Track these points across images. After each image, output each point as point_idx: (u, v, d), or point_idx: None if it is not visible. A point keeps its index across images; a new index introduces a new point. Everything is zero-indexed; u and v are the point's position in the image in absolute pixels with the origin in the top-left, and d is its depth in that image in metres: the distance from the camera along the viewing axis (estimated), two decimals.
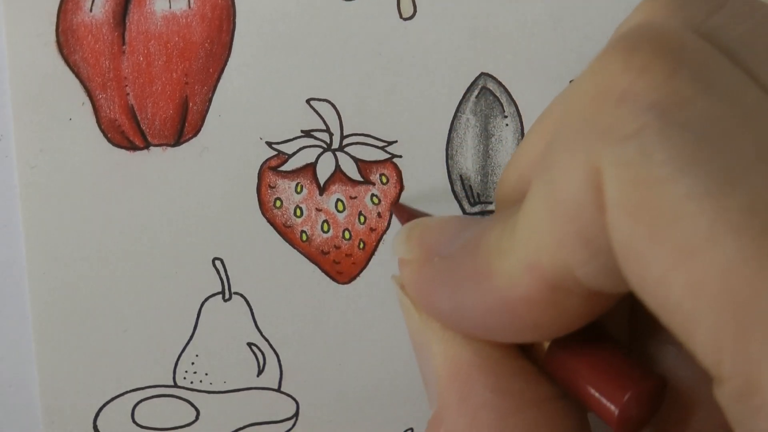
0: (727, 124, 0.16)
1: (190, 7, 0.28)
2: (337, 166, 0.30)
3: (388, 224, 0.30)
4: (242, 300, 0.31)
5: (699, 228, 0.15)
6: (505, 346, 0.22)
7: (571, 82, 0.30)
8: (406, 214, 0.28)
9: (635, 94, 0.17)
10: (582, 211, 0.17)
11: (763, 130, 0.16)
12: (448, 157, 0.30)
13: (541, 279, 0.18)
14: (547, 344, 0.21)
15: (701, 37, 0.18)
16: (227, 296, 0.30)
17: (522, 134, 0.30)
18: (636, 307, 0.23)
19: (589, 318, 0.20)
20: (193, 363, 0.31)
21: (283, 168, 0.30)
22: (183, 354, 0.31)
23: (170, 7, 0.28)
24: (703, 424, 0.22)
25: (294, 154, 0.30)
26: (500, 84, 0.30)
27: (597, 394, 0.20)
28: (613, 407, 0.20)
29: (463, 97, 0.30)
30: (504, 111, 0.30)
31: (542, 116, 0.22)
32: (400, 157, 0.30)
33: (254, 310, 0.31)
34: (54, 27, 0.27)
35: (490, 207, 0.31)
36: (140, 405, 0.31)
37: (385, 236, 0.31)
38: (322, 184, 0.30)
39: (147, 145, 0.29)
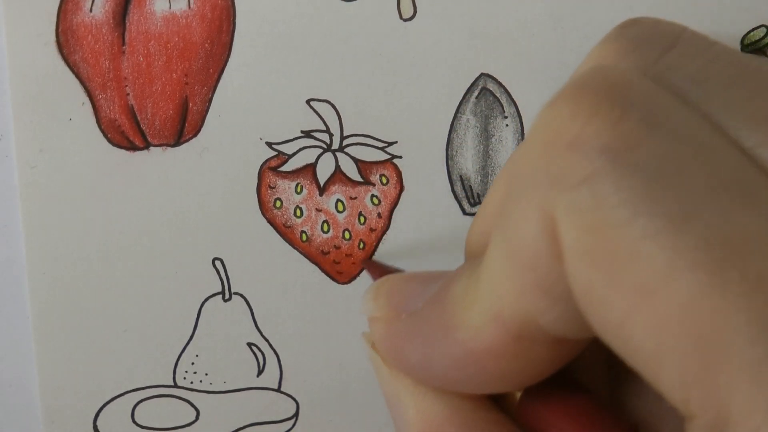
0: (677, 163, 0.16)
1: (190, 7, 0.28)
2: (337, 166, 0.30)
3: (388, 224, 0.31)
4: (242, 300, 0.31)
5: (656, 267, 0.15)
6: (477, 398, 0.22)
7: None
8: (378, 270, 0.28)
9: (585, 140, 0.16)
10: (539, 260, 0.17)
11: (714, 166, 0.16)
12: (448, 157, 0.30)
13: (505, 329, 0.18)
14: (518, 395, 0.21)
15: (652, 78, 0.18)
16: (227, 296, 0.30)
17: (522, 135, 0.30)
18: (612, 353, 0.23)
19: (557, 366, 0.20)
20: (193, 363, 0.31)
21: (283, 168, 0.30)
22: (183, 354, 0.31)
23: (170, 8, 0.28)
24: None
25: (294, 154, 0.30)
26: (500, 84, 0.30)
27: None
28: None
29: (463, 97, 0.30)
30: (504, 111, 0.30)
31: (503, 169, 0.22)
32: (400, 157, 0.30)
33: (254, 310, 0.31)
34: (54, 27, 0.27)
35: None
36: (140, 405, 0.31)
37: (385, 236, 0.31)
38: (322, 185, 0.30)
39: (147, 145, 0.29)
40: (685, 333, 0.15)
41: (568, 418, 0.20)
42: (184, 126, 0.29)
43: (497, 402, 0.22)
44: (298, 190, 0.30)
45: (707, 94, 0.18)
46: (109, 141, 0.29)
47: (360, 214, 0.30)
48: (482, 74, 0.30)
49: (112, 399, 0.31)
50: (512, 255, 0.18)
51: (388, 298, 0.23)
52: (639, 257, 0.15)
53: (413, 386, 0.22)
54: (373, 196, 0.30)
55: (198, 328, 0.30)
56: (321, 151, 0.30)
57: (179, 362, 0.31)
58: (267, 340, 0.31)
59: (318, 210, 0.30)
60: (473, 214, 0.31)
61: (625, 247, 0.15)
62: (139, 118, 0.29)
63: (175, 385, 0.31)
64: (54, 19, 0.27)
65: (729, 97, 0.17)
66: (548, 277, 0.17)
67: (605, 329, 0.16)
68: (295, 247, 0.30)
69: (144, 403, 0.31)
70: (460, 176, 0.30)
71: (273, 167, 0.30)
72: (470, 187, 0.31)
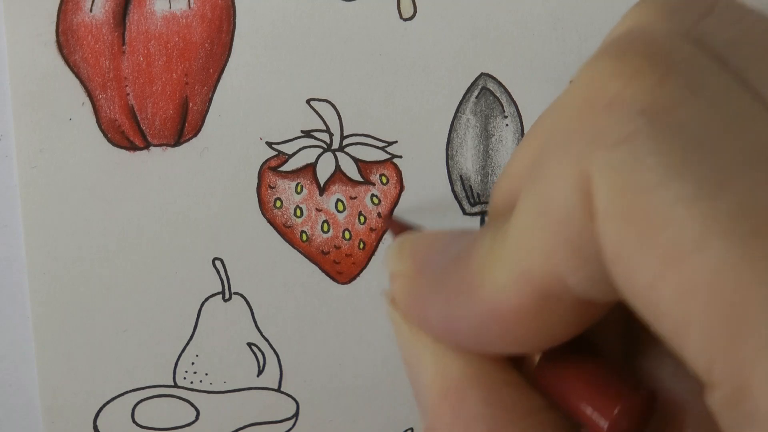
0: (716, 128, 0.16)
1: (190, 7, 0.28)
2: (337, 166, 0.30)
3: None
4: (242, 300, 0.31)
5: (688, 232, 0.15)
6: (496, 359, 0.21)
7: (571, 82, 0.30)
8: (399, 228, 0.28)
9: (625, 100, 0.16)
10: (572, 218, 0.17)
11: (752, 133, 0.16)
12: (448, 157, 0.30)
13: (532, 287, 0.18)
14: (537, 358, 0.21)
15: (690, 42, 0.18)
16: (227, 296, 0.30)
17: (522, 134, 0.30)
18: (631, 320, 0.23)
19: (580, 328, 0.20)
20: (193, 363, 0.31)
21: (283, 168, 0.30)
22: (183, 354, 0.31)
23: (170, 8, 0.28)
24: None
25: (294, 154, 0.30)
26: (500, 84, 0.30)
27: (587, 409, 0.20)
28: (603, 421, 0.20)
29: (463, 97, 0.30)
30: (504, 111, 0.30)
31: (533, 127, 0.22)
32: (400, 157, 0.30)
33: (254, 310, 0.31)
34: (54, 27, 0.27)
35: None
36: (140, 405, 0.31)
37: (385, 236, 0.31)
38: (322, 185, 0.30)
39: (147, 145, 0.29)
40: (713, 301, 0.15)
41: (586, 383, 0.20)
42: (184, 126, 0.29)
43: (515, 365, 0.22)
44: (298, 189, 0.30)
45: (746, 62, 0.17)
46: (109, 141, 0.29)
47: (360, 213, 0.30)
48: (482, 74, 0.30)
49: (112, 399, 0.30)
50: (544, 211, 0.17)
51: (411, 255, 0.22)
52: (671, 221, 0.15)
53: (433, 345, 0.22)
54: (373, 195, 0.30)
55: (198, 328, 0.30)
56: (321, 150, 0.30)
57: (179, 362, 0.31)
58: (267, 340, 0.31)
59: (318, 210, 0.30)
60: (473, 214, 0.31)
61: (658, 210, 0.15)
62: (139, 118, 0.29)
63: (175, 385, 0.31)
64: (54, 19, 0.27)
65: None
66: (579, 235, 0.17)
67: (632, 292, 0.16)
68: (295, 247, 0.30)
69: (144, 403, 0.31)
70: (460, 176, 0.30)
71: (273, 167, 0.30)
72: (470, 186, 0.31)
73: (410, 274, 0.22)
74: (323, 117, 0.29)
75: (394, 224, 0.28)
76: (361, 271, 0.31)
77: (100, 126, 0.28)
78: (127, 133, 0.29)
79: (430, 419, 0.22)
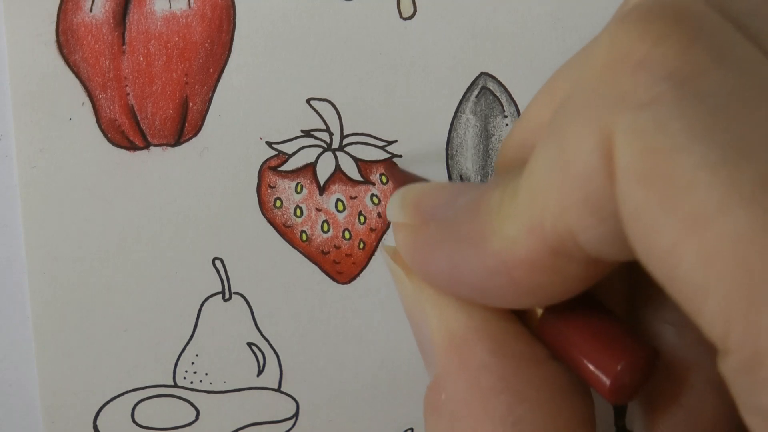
0: (741, 96, 0.16)
1: (190, 7, 0.28)
2: (337, 165, 0.30)
3: (388, 224, 0.31)
4: (242, 300, 0.31)
5: (711, 198, 0.15)
6: (501, 311, 0.21)
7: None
8: (401, 177, 0.27)
9: (652, 63, 0.16)
10: (591, 177, 0.17)
11: None
12: (448, 156, 0.30)
13: (543, 242, 0.18)
14: (540, 312, 0.21)
15: (713, 8, 0.18)
16: (227, 296, 0.30)
17: None
18: (634, 285, 0.23)
19: (587, 284, 0.20)
20: (193, 363, 0.31)
21: (283, 168, 0.30)
22: (183, 354, 0.31)
23: (170, 7, 0.28)
24: (695, 402, 0.22)
25: (294, 153, 0.30)
26: (500, 84, 0.30)
27: (590, 365, 0.20)
28: (605, 377, 0.20)
29: (463, 96, 0.30)
30: (504, 111, 0.30)
31: (547, 84, 0.22)
32: (400, 156, 0.30)
33: (254, 310, 0.31)
34: (54, 27, 0.27)
35: None
36: (140, 405, 0.31)
37: (385, 236, 0.31)
38: (322, 184, 0.30)
39: (147, 145, 0.29)
40: (734, 267, 0.15)
41: (588, 337, 0.20)
42: (184, 126, 0.29)
43: (519, 319, 0.22)
44: (298, 189, 0.30)
45: (765, 32, 0.17)
46: (109, 141, 0.29)
47: (360, 213, 0.30)
48: (482, 73, 0.30)
49: (112, 399, 0.30)
50: (562, 168, 0.17)
51: (416, 205, 0.22)
52: (694, 186, 0.15)
53: (436, 297, 0.22)
54: (373, 195, 0.30)
55: (198, 328, 0.30)
56: (321, 150, 0.30)
57: (179, 362, 0.31)
58: (267, 340, 0.31)
59: (318, 210, 0.30)
60: None
61: (681, 174, 0.15)
62: (139, 118, 0.29)
63: (175, 385, 0.31)
64: (54, 19, 0.27)
65: None
66: (598, 195, 0.17)
67: (650, 255, 0.16)
68: (295, 247, 0.30)
69: (144, 403, 0.31)
70: (460, 175, 0.30)
71: (273, 167, 0.30)
72: None
73: (415, 225, 0.22)
74: (323, 116, 0.29)
75: (395, 172, 0.28)
76: (361, 271, 0.31)
77: (100, 126, 0.28)
78: (127, 133, 0.29)
79: (437, 371, 0.21)
